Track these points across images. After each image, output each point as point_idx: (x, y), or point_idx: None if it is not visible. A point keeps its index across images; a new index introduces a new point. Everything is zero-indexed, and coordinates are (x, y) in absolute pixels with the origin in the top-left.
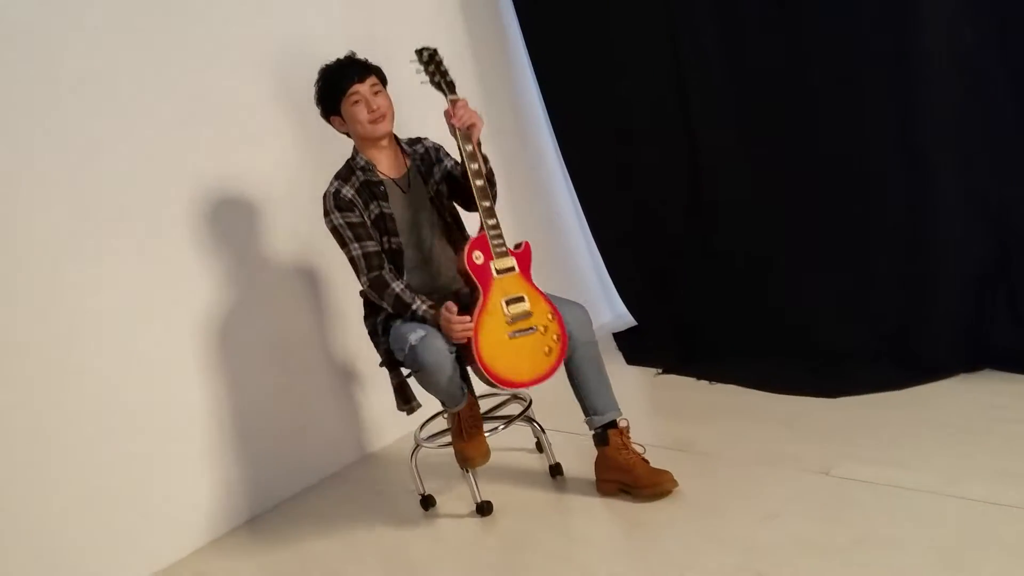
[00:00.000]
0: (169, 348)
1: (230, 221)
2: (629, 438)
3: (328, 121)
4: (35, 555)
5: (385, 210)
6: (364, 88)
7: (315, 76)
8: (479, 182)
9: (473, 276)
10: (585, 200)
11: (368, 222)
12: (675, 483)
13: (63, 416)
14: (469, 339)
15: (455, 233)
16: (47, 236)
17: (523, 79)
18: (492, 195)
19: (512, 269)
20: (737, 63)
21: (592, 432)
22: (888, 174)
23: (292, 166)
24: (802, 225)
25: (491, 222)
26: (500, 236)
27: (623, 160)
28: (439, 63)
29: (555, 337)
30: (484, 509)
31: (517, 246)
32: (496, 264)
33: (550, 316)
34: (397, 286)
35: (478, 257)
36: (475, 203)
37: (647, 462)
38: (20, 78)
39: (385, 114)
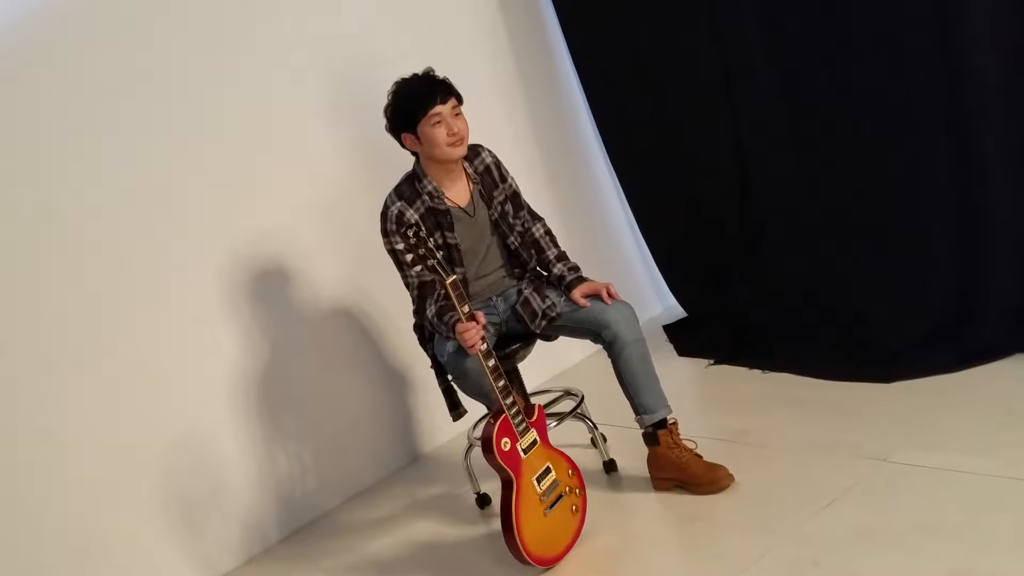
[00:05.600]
0: (216, 354)
1: (279, 221)
2: (679, 435)
3: (396, 136)
4: (106, 558)
5: (450, 240)
6: (446, 110)
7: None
8: (498, 378)
9: (505, 467)
10: (632, 196)
11: None
12: (731, 478)
13: (112, 427)
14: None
15: (516, 258)
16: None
17: (565, 77)
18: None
19: (536, 443)
20: (785, 62)
21: (642, 431)
22: (938, 162)
23: (346, 160)
24: (852, 213)
25: (508, 401)
26: (520, 412)
27: (668, 153)
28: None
29: (578, 492)
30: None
31: (529, 413)
32: (522, 444)
33: (570, 472)
34: (430, 311)
35: (506, 444)
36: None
37: (700, 457)
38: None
39: (464, 138)
